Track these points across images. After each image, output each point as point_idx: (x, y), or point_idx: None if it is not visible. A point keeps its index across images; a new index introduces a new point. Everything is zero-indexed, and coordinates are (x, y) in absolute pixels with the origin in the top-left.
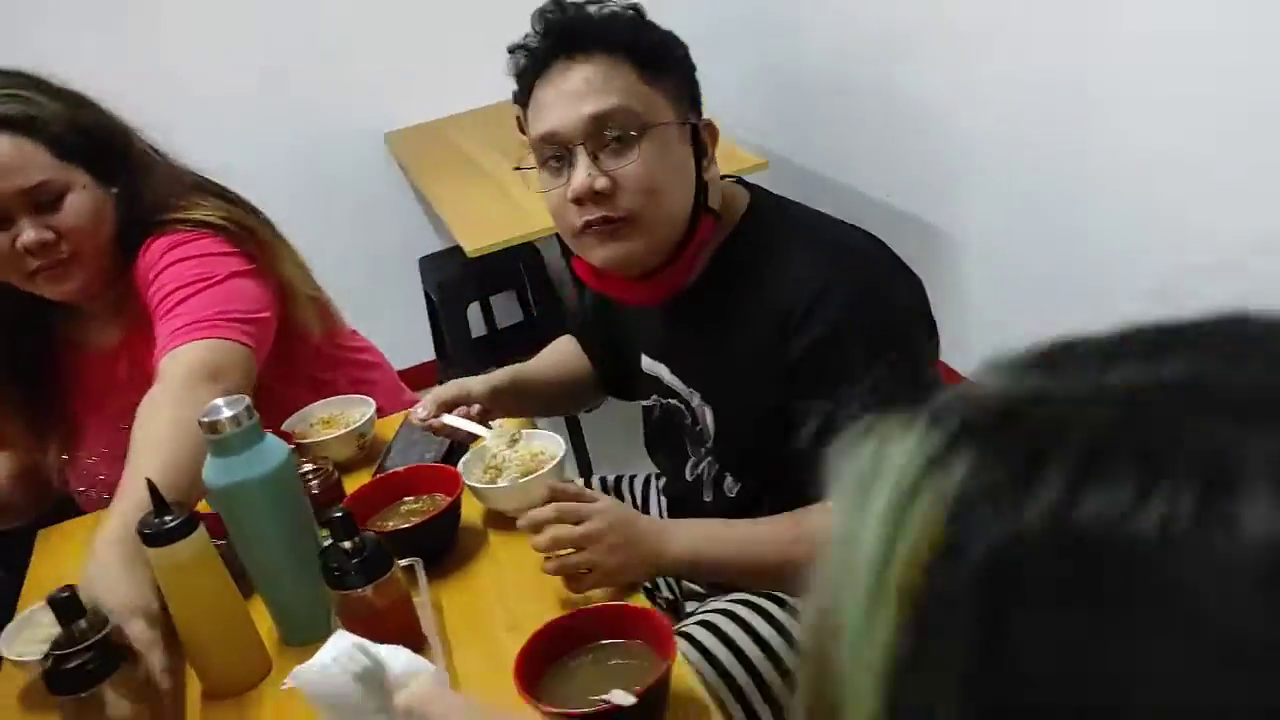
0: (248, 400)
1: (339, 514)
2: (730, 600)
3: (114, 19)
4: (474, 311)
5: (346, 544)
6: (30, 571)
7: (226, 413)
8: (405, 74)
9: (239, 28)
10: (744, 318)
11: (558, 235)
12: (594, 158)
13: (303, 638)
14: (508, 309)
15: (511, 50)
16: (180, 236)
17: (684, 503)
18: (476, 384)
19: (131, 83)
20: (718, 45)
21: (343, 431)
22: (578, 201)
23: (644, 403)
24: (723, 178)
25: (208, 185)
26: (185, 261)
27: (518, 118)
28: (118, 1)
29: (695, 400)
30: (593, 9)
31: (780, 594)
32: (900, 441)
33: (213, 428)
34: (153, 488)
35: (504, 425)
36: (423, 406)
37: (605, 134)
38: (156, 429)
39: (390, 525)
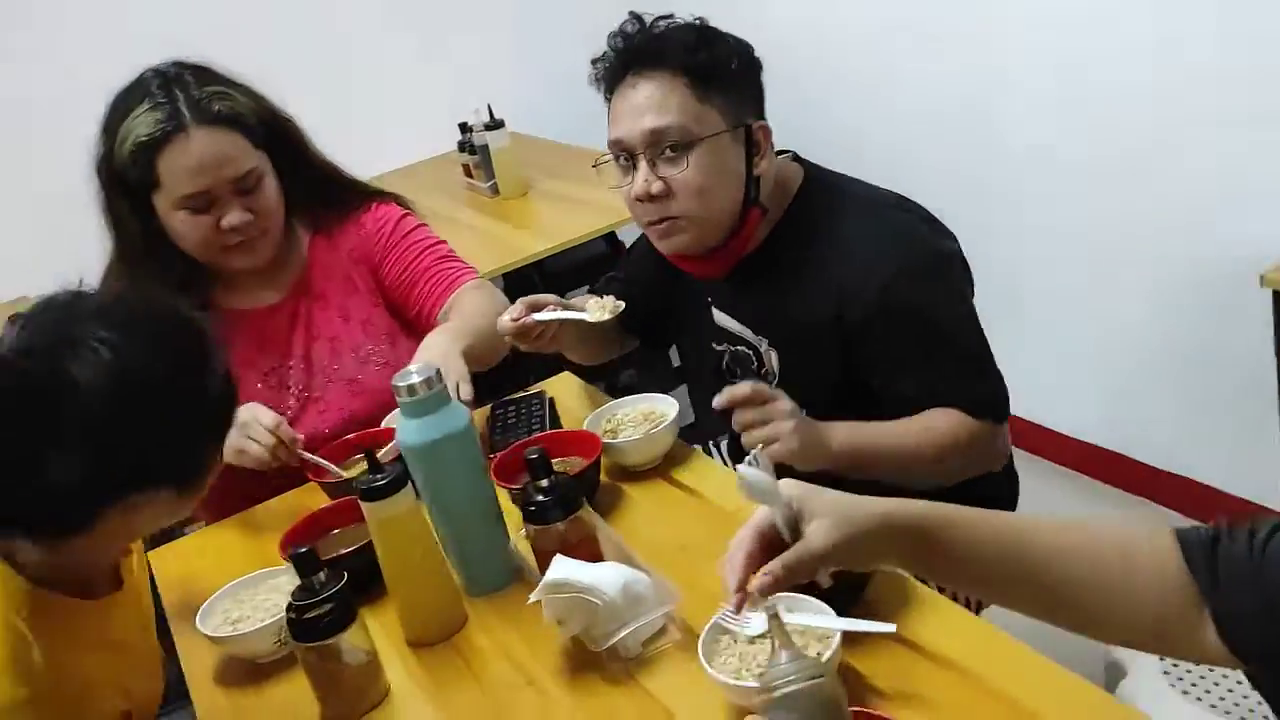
0: (437, 367)
1: (534, 455)
2: None
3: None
4: None
5: (544, 482)
6: (160, 583)
7: (418, 378)
8: (342, 132)
9: None
10: (807, 273)
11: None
12: (652, 164)
13: (486, 588)
14: None
15: (594, 62)
16: (397, 209)
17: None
18: (548, 295)
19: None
20: None
21: None
22: (638, 200)
23: (716, 347)
24: (780, 153)
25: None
26: (421, 228)
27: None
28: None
29: (763, 346)
30: (661, 25)
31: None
32: None
33: (410, 390)
34: (370, 456)
35: (601, 302)
36: (511, 311)
37: (662, 145)
38: (476, 305)
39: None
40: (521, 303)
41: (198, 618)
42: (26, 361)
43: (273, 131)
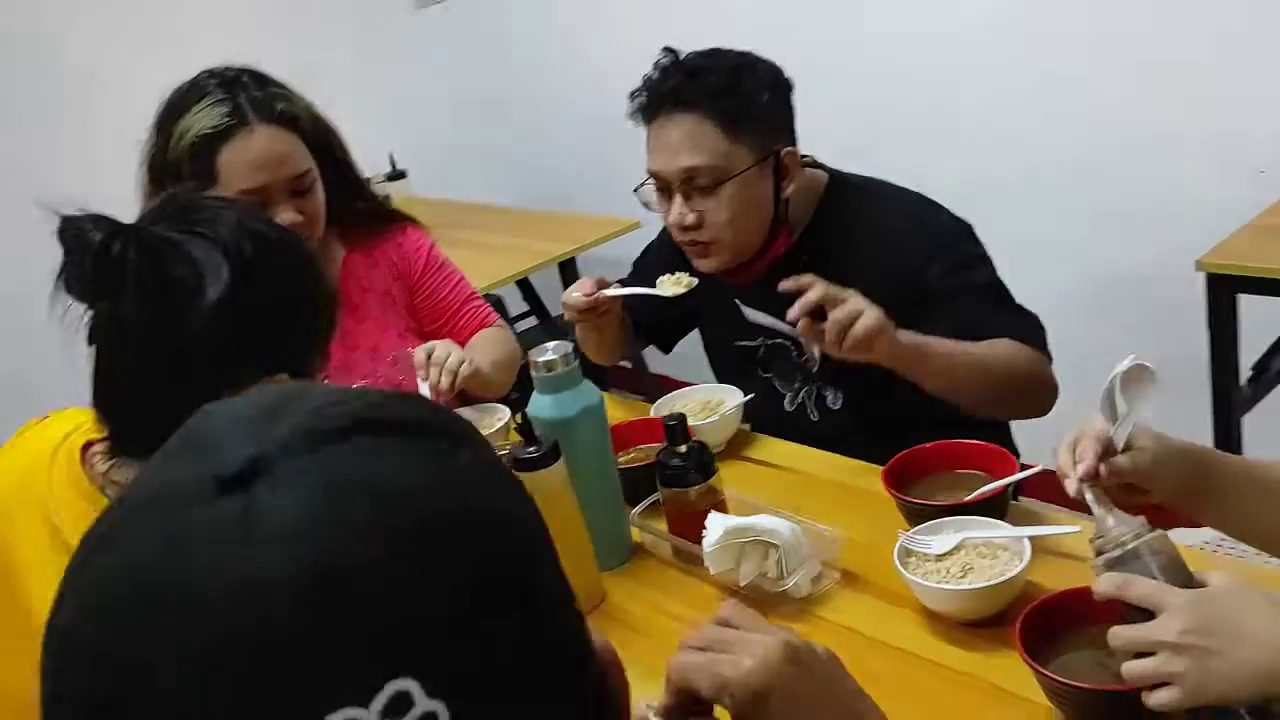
0: (572, 344)
1: (673, 421)
2: None
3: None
4: None
5: (682, 448)
6: None
7: (555, 354)
8: None
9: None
10: (838, 260)
11: None
12: (686, 197)
13: (612, 562)
14: None
15: (632, 95)
16: (427, 237)
17: (784, 430)
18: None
19: None
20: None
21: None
22: (674, 227)
23: (748, 343)
24: (802, 158)
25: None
26: (448, 262)
27: None
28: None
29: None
30: (699, 62)
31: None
32: None
33: (549, 366)
34: (525, 425)
35: (675, 278)
36: (578, 288)
37: (695, 181)
38: (503, 347)
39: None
40: (590, 280)
41: None
42: (162, 234)
43: (320, 140)
